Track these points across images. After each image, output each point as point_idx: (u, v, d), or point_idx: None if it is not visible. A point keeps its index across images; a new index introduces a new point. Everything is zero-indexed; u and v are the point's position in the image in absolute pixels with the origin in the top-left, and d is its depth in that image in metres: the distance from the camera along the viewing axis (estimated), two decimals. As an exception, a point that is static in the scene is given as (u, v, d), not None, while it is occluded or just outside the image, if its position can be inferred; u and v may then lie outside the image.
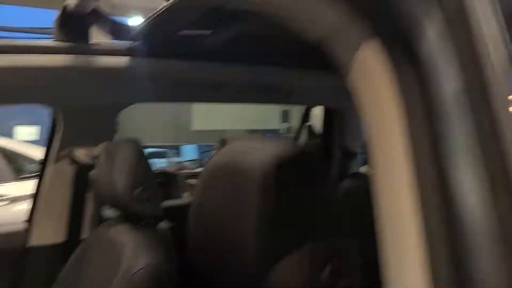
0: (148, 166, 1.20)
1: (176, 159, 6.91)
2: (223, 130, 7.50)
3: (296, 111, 7.12)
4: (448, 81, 0.30)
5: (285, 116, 7.08)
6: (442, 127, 0.31)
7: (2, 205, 3.45)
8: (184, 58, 1.35)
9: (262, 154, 0.51)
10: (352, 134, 2.04)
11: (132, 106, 1.45)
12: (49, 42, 1.23)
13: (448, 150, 0.32)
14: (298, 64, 1.55)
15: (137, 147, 1.19)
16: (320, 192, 0.50)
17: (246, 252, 0.49)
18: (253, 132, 7.50)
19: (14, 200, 3.53)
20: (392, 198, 0.36)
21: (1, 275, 1.45)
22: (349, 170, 1.96)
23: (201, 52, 1.37)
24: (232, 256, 0.52)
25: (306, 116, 2.18)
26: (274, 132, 7.41)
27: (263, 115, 7.05)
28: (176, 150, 8.27)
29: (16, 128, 7.46)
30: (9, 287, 1.45)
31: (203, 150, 6.41)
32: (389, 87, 0.32)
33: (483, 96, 0.30)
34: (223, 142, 6.51)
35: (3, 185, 3.59)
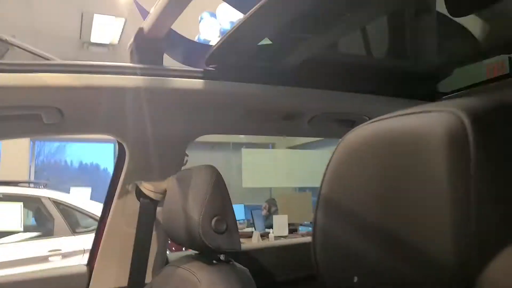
0: (226, 195, 1.08)
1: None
2: (272, 188, 7.34)
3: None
4: None
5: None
6: None
7: (56, 261, 3.40)
8: (258, 82, 1.26)
9: (440, 113, 0.37)
10: None
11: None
12: (122, 64, 1.18)
13: None
14: (379, 92, 1.43)
15: (214, 173, 1.07)
16: None
17: (440, 246, 0.34)
18: (302, 190, 7.30)
19: (67, 255, 3.49)
20: None
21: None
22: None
23: (276, 76, 1.28)
24: (403, 248, 0.37)
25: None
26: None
27: (313, 173, 6.87)
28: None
29: (71, 188, 7.66)
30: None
31: (251, 209, 6.24)
32: None
33: None
34: (270, 201, 6.31)
35: (59, 239, 3.57)
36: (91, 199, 5.05)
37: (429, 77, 1.51)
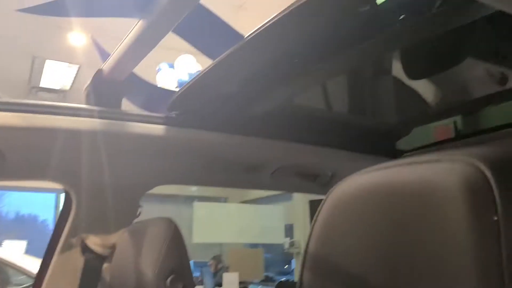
0: (184, 251, 0.98)
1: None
2: (222, 244, 7.12)
3: (299, 227, 6.86)
4: None
5: (289, 230, 6.79)
6: None
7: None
8: (220, 130, 1.21)
9: (453, 161, 0.33)
10: None
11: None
12: (75, 105, 1.09)
13: None
14: (344, 147, 1.42)
15: (172, 226, 0.98)
16: None
17: None
18: (254, 246, 7.14)
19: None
20: None
21: None
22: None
23: (239, 126, 1.24)
24: None
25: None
26: (277, 247, 7.05)
27: (266, 229, 6.76)
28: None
29: (4, 241, 7.09)
30: None
31: (199, 266, 5.99)
32: None
33: None
34: (216, 258, 6.13)
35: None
36: (26, 253, 4.67)
37: (388, 134, 1.54)
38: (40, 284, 1.23)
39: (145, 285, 0.93)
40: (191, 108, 1.16)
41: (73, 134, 1.06)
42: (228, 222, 6.55)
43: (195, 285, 0.99)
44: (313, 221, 0.44)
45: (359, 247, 0.38)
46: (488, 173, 0.31)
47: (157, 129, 1.13)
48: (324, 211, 0.43)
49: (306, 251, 0.43)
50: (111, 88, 1.16)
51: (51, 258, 1.23)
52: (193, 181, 1.34)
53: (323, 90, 1.40)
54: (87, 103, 1.14)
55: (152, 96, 1.23)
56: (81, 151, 1.12)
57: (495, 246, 0.28)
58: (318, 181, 1.53)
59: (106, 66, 1.11)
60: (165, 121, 1.14)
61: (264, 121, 1.26)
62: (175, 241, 0.97)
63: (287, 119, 1.32)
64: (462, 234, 0.30)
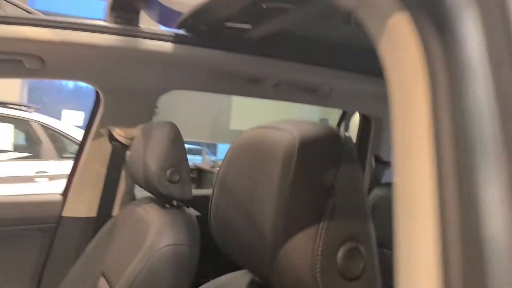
0: (182, 150, 1.23)
1: (212, 157, 7.00)
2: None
3: (334, 121, 7.03)
4: (472, 48, 0.30)
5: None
6: (465, 100, 0.30)
7: (42, 181, 3.61)
8: (225, 49, 1.38)
9: (286, 131, 0.52)
10: (387, 143, 2.01)
11: (174, 100, 1.49)
12: (99, 22, 1.29)
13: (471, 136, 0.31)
14: (339, 67, 1.55)
15: (173, 130, 1.22)
16: (344, 174, 0.50)
17: (263, 222, 0.50)
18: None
19: (53, 177, 3.70)
20: (409, 203, 0.35)
21: (35, 241, 1.52)
22: (382, 179, 1.93)
23: (241, 45, 1.39)
24: (250, 226, 0.53)
25: (341, 122, 2.17)
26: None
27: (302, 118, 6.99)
28: (213, 148, 8.38)
29: (63, 111, 7.78)
30: (40, 253, 1.52)
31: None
32: (415, 55, 0.32)
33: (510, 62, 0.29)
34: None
35: (46, 162, 3.77)
36: (83, 123, 5.18)
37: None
38: (77, 164, 1.56)
39: (150, 174, 1.20)
40: (197, 27, 1.32)
41: (98, 47, 1.27)
42: (265, 112, 6.83)
43: (190, 178, 1.25)
44: (225, 154, 0.65)
45: (237, 179, 0.59)
46: (297, 141, 0.50)
47: (166, 45, 1.32)
48: (229, 150, 0.64)
49: (218, 174, 0.65)
50: (129, 4, 1.33)
51: (86, 143, 1.54)
52: (200, 89, 1.55)
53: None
54: (109, 17, 1.33)
55: (165, 14, 1.38)
56: (107, 60, 1.34)
57: (288, 189, 0.49)
58: (318, 94, 1.70)
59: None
60: (174, 39, 1.32)
61: (264, 42, 1.40)
62: (176, 141, 1.22)
63: (287, 40, 1.45)
64: (273, 181, 0.50)
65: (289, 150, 0.49)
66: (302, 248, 0.47)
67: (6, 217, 1.52)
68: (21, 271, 1.51)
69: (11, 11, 1.25)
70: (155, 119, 1.56)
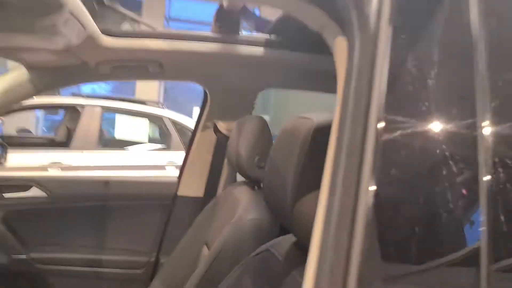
0: (268, 140, 1.42)
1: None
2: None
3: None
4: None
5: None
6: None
7: (170, 169, 4.14)
8: (310, 51, 1.53)
9: (310, 119, 0.68)
10: None
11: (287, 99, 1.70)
12: (206, 33, 1.54)
13: None
14: None
15: (261, 123, 1.42)
16: None
17: (286, 186, 0.67)
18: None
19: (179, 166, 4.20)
20: None
21: (157, 214, 1.86)
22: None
23: (325, 47, 1.53)
24: (282, 193, 0.70)
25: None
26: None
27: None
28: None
29: (194, 108, 8.58)
30: (160, 223, 1.85)
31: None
32: (344, 60, 0.47)
33: None
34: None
35: (175, 153, 4.30)
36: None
37: None
38: (189, 152, 1.85)
39: (241, 160, 1.41)
40: (285, 32, 1.50)
41: (206, 54, 1.53)
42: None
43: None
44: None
45: (275, 156, 0.76)
46: (313, 126, 0.65)
47: (260, 49, 1.52)
48: (278, 135, 0.81)
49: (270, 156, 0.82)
50: (231, 16, 1.56)
51: (195, 135, 1.83)
52: (292, 86, 1.72)
53: None
54: (215, 27, 1.58)
55: (258, 22, 1.59)
56: (212, 64, 1.60)
57: (302, 162, 0.64)
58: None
59: (225, 1, 1.50)
60: (266, 43, 1.52)
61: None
62: (263, 133, 1.42)
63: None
64: (294, 156, 0.66)
65: (306, 133, 0.65)
66: (310, 205, 0.62)
67: (137, 193, 1.89)
68: (146, 237, 1.86)
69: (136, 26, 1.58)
70: (254, 113, 1.78)
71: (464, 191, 0.46)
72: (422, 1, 0.49)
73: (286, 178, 0.67)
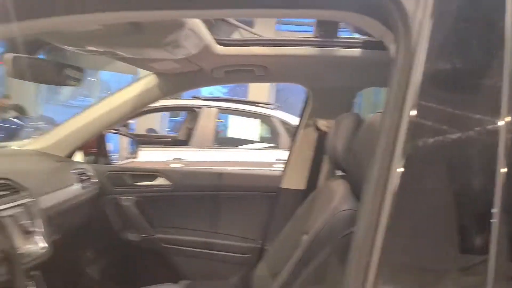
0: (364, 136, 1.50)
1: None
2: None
3: None
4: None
5: None
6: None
7: (278, 167, 4.34)
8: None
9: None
10: None
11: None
12: (307, 37, 1.67)
13: None
14: None
15: (356, 119, 1.51)
16: None
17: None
18: None
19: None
20: None
21: (262, 204, 2.03)
22: None
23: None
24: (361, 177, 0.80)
25: None
26: None
27: None
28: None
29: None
30: (264, 213, 2.02)
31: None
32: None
33: None
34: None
35: (281, 151, 4.50)
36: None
37: None
38: (292, 148, 2.00)
39: (338, 154, 1.51)
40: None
41: (307, 56, 1.66)
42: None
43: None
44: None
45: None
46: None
47: (357, 51, 1.61)
48: (361, 129, 0.91)
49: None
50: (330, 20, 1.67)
51: (298, 132, 1.97)
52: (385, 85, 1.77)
53: None
54: (315, 31, 1.70)
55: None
56: (313, 65, 1.72)
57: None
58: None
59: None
60: (363, 45, 1.60)
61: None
62: (356, 129, 1.50)
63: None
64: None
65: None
66: None
67: (246, 185, 2.09)
68: (253, 225, 2.05)
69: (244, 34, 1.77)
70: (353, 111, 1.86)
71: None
72: (461, 18, 0.57)
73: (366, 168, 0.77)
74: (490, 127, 0.54)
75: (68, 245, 1.58)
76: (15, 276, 1.02)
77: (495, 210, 0.53)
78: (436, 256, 0.59)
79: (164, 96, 1.92)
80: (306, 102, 1.94)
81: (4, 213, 1.18)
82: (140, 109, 1.97)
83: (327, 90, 1.83)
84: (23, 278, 1.07)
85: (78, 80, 1.30)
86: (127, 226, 2.06)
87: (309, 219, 1.72)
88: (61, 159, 1.87)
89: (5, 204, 1.22)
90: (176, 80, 1.84)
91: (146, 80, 1.88)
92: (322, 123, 1.85)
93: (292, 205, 1.96)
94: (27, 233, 1.33)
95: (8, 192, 1.34)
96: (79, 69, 1.26)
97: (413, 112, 0.55)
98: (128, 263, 2.08)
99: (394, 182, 0.56)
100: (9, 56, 1.12)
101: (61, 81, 1.23)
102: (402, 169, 0.55)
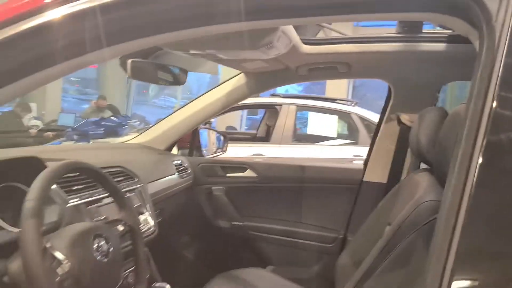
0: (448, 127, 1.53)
1: None
2: None
3: None
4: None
5: None
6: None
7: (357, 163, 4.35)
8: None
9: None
10: None
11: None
12: (389, 33, 1.73)
13: None
14: None
15: (441, 113, 1.53)
16: None
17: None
18: None
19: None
20: None
21: (344, 197, 2.11)
22: None
23: None
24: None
25: None
26: None
27: None
28: None
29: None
30: (347, 205, 2.09)
31: None
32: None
33: None
34: None
35: (362, 148, 4.50)
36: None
37: None
38: (375, 140, 2.05)
39: (421, 147, 1.55)
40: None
41: (389, 52, 1.71)
42: None
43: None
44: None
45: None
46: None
47: (440, 45, 1.63)
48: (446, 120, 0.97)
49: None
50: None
51: (380, 126, 2.02)
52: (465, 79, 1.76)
53: None
54: (398, 27, 1.74)
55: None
56: (396, 61, 1.77)
57: None
58: None
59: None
60: (446, 39, 1.62)
61: None
62: (442, 122, 1.53)
63: None
64: None
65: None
66: None
67: (329, 177, 2.18)
68: (336, 216, 2.13)
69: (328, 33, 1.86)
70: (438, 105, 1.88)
71: None
72: None
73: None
74: None
75: (169, 229, 1.78)
76: (138, 246, 1.20)
77: None
78: None
79: (251, 94, 2.07)
80: (388, 97, 1.98)
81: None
82: (229, 106, 2.13)
83: (410, 84, 1.86)
84: (144, 249, 1.26)
85: (182, 80, 1.48)
86: (218, 214, 2.24)
87: (393, 210, 1.77)
88: (161, 152, 2.09)
89: (123, 189, 1.43)
90: (263, 78, 1.98)
91: (235, 79, 2.04)
92: (405, 117, 1.88)
93: (374, 198, 2.02)
94: (140, 214, 1.54)
95: (122, 178, 1.56)
96: (185, 71, 1.44)
97: (495, 104, 0.61)
98: (219, 248, 2.26)
99: (475, 172, 0.62)
100: (129, 60, 1.32)
101: (170, 81, 1.41)
102: (483, 160, 0.62)
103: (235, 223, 2.23)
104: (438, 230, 0.70)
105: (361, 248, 1.83)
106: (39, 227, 0.91)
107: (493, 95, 0.63)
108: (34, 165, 1.15)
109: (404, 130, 1.91)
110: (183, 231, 2.18)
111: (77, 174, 1.31)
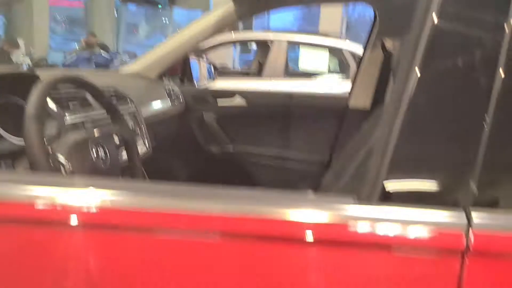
0: None
1: None
2: None
3: None
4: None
5: None
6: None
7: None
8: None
9: None
10: None
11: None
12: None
13: None
14: None
15: None
16: None
17: None
18: None
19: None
20: None
21: (330, 123, 2.20)
22: None
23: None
24: None
25: None
26: None
27: None
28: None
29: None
30: (331, 133, 2.19)
31: None
32: None
33: None
34: None
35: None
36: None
37: None
38: (358, 69, 2.11)
39: None
40: None
41: None
42: None
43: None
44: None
45: None
46: None
47: None
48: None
49: None
50: None
51: (365, 53, 2.07)
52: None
53: None
54: None
55: None
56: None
57: None
58: None
59: None
60: None
61: None
62: None
63: None
64: None
65: None
66: None
67: (315, 104, 2.27)
68: (321, 140, 2.23)
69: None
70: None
71: None
72: None
73: None
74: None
75: (161, 153, 1.87)
76: (134, 157, 1.30)
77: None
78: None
79: (239, 19, 2.08)
80: (373, 23, 2.02)
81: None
82: (218, 32, 2.15)
83: (394, 9, 1.89)
84: (140, 163, 1.35)
85: None
86: (209, 140, 2.34)
87: (375, 134, 1.87)
88: (153, 80, 2.15)
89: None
90: (251, 3, 2.00)
91: (224, 8, 2.06)
92: (389, 43, 1.93)
93: (357, 123, 2.11)
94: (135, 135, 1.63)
95: (116, 99, 1.63)
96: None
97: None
98: (210, 172, 2.38)
99: (411, 90, 0.71)
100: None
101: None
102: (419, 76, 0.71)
103: (226, 148, 2.34)
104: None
105: (343, 169, 1.96)
106: (42, 132, 0.99)
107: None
108: (31, 81, 1.21)
109: (388, 59, 1.97)
110: (175, 156, 2.29)
111: (73, 92, 1.38)
